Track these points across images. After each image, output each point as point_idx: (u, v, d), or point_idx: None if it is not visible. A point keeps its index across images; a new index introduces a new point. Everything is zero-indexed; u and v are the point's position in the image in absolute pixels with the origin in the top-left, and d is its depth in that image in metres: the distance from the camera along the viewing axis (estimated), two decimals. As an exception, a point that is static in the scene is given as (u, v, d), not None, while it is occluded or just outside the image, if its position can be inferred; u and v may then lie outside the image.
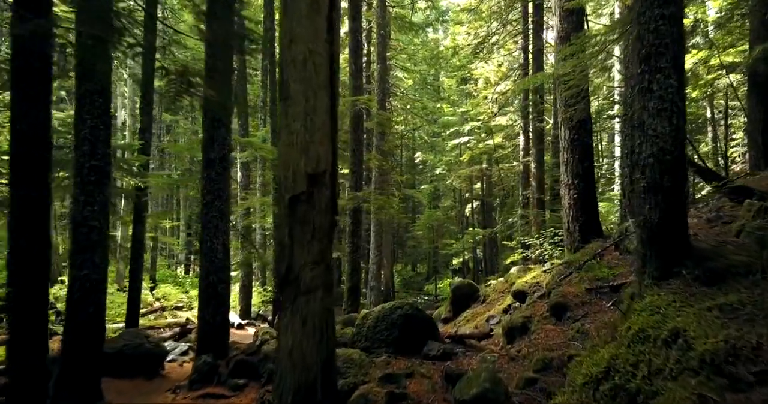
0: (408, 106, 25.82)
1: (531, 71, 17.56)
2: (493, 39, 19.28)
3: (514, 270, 11.74)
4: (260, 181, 17.54)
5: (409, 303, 5.39)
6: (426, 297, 29.34)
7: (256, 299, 18.07)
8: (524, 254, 14.55)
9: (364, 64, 24.56)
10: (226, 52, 6.83)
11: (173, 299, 20.56)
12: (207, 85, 7.17)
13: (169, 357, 10.68)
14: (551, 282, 6.18)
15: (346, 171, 17.00)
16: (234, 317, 16.23)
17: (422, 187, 35.82)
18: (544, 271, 6.85)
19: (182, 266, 32.17)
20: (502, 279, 11.63)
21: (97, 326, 5.59)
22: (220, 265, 6.92)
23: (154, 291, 21.29)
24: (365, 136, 20.71)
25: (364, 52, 23.89)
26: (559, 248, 13.53)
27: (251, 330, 14.29)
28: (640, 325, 2.76)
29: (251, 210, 16.33)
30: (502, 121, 23.15)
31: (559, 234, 13.54)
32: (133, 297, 9.57)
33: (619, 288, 4.71)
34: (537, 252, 13.63)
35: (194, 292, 22.66)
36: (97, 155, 5.45)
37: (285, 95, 3.00)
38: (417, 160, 36.05)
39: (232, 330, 15.70)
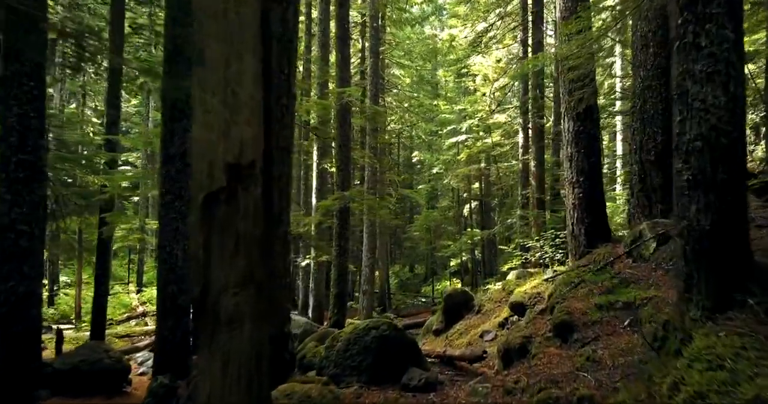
0: (405, 104, 25.06)
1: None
2: (491, 33, 18.53)
3: (512, 275, 11.01)
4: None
5: (387, 322, 4.63)
6: (423, 300, 28.61)
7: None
8: (523, 257, 13.79)
9: (356, 57, 23.81)
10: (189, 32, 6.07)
11: (160, 303, 19.79)
12: (167, 70, 6.39)
13: (140, 370, 9.92)
14: (554, 294, 5.42)
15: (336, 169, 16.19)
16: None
17: (419, 186, 35.08)
18: (546, 280, 6.09)
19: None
20: (499, 285, 10.87)
21: (29, 344, 4.83)
22: (181, 274, 6.16)
23: (138, 295, 20.53)
24: (359, 133, 19.98)
25: (359, 46, 23.17)
26: (560, 251, 12.78)
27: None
28: (697, 386, 1.96)
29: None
30: (500, 118, 22.39)
31: (561, 236, 12.78)
32: (98, 305, 8.80)
33: (636, 305, 3.96)
34: (537, 255, 12.88)
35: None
36: (26, 148, 4.70)
37: (198, 59, 2.22)
38: (415, 160, 35.35)
39: (216, 337, 14.96)
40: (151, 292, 20.93)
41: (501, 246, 26.38)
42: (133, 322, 14.89)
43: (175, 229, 6.12)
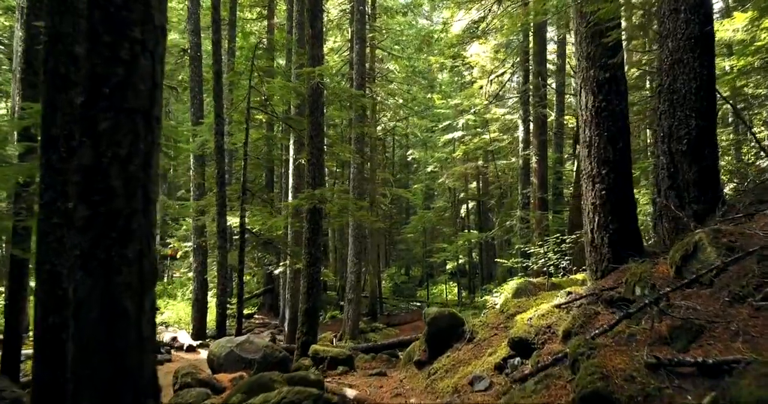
0: (398, 98, 23.49)
1: (532, 52, 15.27)
2: (489, 18, 16.96)
3: (510, 288, 9.47)
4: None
5: (300, 376, 3.04)
6: (418, 304, 27.13)
7: (211, 315, 15.64)
8: (524, 264, 12.25)
9: (345, 47, 22.26)
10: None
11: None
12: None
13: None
14: (572, 331, 3.86)
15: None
16: (185, 337, 13.86)
17: (414, 186, 33.60)
18: (558, 307, 4.52)
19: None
20: (497, 304, 9.31)
21: None
22: (66, 299, 4.56)
23: None
24: (348, 128, 18.42)
25: (348, 36, 21.61)
26: (566, 258, 11.23)
27: (204, 353, 11.93)
28: None
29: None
30: (498, 112, 20.84)
31: (567, 241, 11.24)
32: (10, 338, 7.07)
33: (719, 369, 2.42)
34: (540, 262, 11.34)
35: (166, 301, 20.28)
36: None
37: None
38: (410, 159, 33.92)
39: (181, 354, 13.37)
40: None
41: (500, 246, 24.86)
42: None
43: (58, 240, 4.53)
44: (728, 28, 9.26)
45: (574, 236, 11.40)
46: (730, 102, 9.04)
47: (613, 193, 4.79)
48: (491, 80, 15.39)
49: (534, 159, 14.36)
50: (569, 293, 4.81)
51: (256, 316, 20.01)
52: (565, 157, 18.67)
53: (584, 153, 4.99)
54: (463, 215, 27.40)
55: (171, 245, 21.73)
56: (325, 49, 22.98)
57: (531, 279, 11.19)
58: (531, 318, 4.71)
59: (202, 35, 14.98)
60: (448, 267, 27.90)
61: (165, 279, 27.83)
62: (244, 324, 18.12)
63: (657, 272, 4.04)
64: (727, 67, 9.84)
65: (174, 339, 13.54)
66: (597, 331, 3.26)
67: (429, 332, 6.25)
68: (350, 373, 6.93)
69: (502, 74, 15.25)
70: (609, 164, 4.80)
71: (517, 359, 4.28)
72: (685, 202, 5.86)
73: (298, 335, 8.83)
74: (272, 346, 8.07)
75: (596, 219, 4.82)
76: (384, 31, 20.04)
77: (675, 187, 5.94)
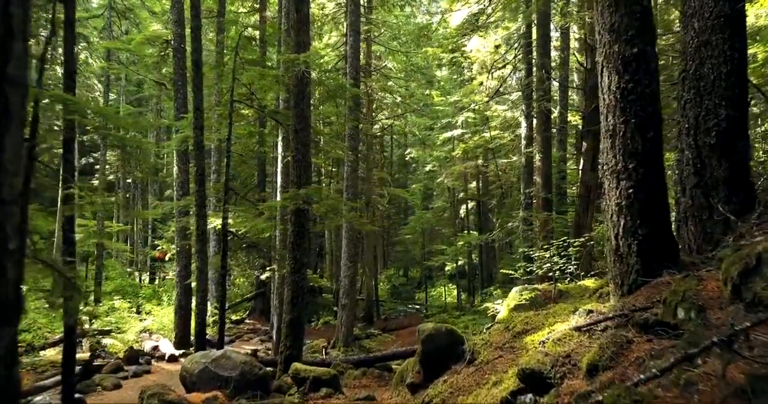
0: (396, 96, 22.66)
1: (535, 43, 14.48)
2: (490, 9, 16.14)
3: (513, 296, 8.65)
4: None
5: None
6: (417, 307, 26.36)
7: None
8: (528, 268, 11.42)
9: (340, 42, 21.46)
10: None
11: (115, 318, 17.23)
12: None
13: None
14: (601, 362, 3.07)
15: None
16: (167, 346, 13.04)
17: (412, 186, 32.81)
18: (578, 329, 3.73)
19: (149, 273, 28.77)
20: (498, 311, 8.50)
21: None
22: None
23: (92, 308, 18.05)
24: (342, 126, 17.63)
25: (343, 30, 20.80)
26: (573, 263, 10.41)
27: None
28: None
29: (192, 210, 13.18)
30: (499, 109, 20.05)
31: (574, 244, 10.43)
32: None
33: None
34: (545, 266, 10.52)
35: (152, 306, 19.48)
36: None
37: None
38: (408, 158, 33.18)
39: (162, 364, 12.56)
40: (105, 306, 18.39)
41: (500, 248, 24.06)
42: (54, 351, 12.43)
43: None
44: (751, 14, 8.49)
45: (582, 239, 10.61)
46: (762, 90, 8.23)
47: (642, 191, 3.99)
48: (492, 71, 14.56)
49: (537, 156, 13.55)
50: (590, 311, 4.01)
51: (247, 321, 19.21)
52: (568, 155, 17.86)
53: (607, 144, 4.19)
54: (462, 215, 26.60)
55: (159, 247, 20.95)
56: (321, 45, 22.19)
57: (536, 286, 10.39)
58: (544, 342, 3.91)
59: (186, 27, 14.16)
60: (447, 268, 27.10)
61: (156, 282, 27.03)
62: (233, 330, 17.33)
63: (705, 290, 3.25)
64: (755, 55, 9.05)
65: (155, 348, 12.75)
66: (639, 375, 2.45)
67: (424, 351, 5.45)
68: (335, 396, 6.14)
69: (505, 66, 14.43)
70: (637, 157, 4.00)
71: (529, 396, 3.48)
72: (714, 202, 5.08)
73: (281, 348, 8.03)
74: (251, 362, 7.27)
75: (621, 223, 4.02)
76: (381, 25, 19.22)
77: (702, 184, 5.16)
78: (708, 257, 4.07)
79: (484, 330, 6.10)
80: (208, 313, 16.13)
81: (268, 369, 7.75)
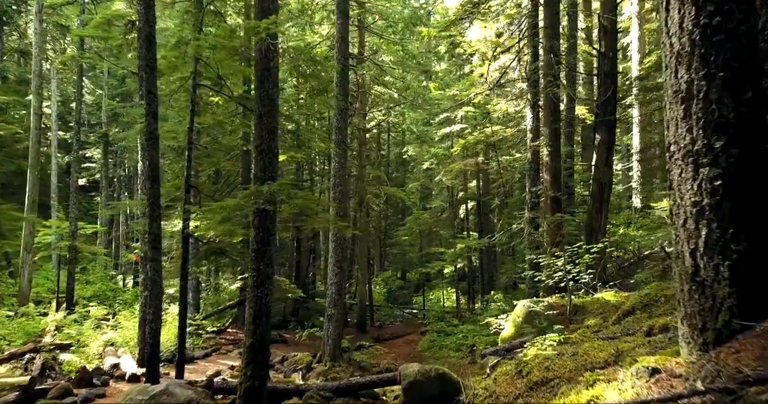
0: (390, 88, 21.22)
1: (542, 24, 13.02)
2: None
3: (519, 312, 7.35)
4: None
5: None
6: (415, 311, 24.98)
7: (169, 333, 13.31)
8: (536, 277, 9.98)
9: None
10: None
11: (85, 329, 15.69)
12: None
13: None
14: None
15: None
16: (129, 364, 11.51)
17: (409, 185, 31.43)
18: (643, 405, 2.27)
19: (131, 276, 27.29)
20: (502, 327, 7.13)
21: None
22: None
23: (59, 317, 16.59)
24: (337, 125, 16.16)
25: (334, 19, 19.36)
26: (588, 272, 8.98)
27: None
28: None
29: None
30: (501, 103, 18.59)
31: (591, 251, 9.00)
32: None
33: None
34: (557, 276, 9.09)
35: (124, 315, 18.00)
36: None
37: None
38: (406, 157, 31.81)
39: (120, 386, 11.05)
40: (78, 313, 16.90)
41: (501, 250, 22.65)
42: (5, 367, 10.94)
43: None
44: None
45: (600, 245, 9.18)
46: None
47: (735, 182, 2.56)
48: (494, 58, 13.11)
49: (545, 151, 12.09)
50: (655, 371, 2.57)
51: (229, 330, 17.72)
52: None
53: (675, 112, 2.76)
54: (462, 216, 25.17)
55: (135, 250, 19.54)
56: (316, 38, 20.76)
57: (545, 300, 8.94)
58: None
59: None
60: (446, 271, 25.69)
61: (139, 286, 25.59)
62: (211, 342, 15.86)
63: None
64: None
65: (115, 366, 11.24)
66: None
67: (408, 403, 4.03)
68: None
69: (508, 50, 12.98)
70: (728, 130, 2.56)
71: None
72: None
73: (241, 379, 6.58)
74: (199, 400, 5.85)
75: (703, 233, 2.59)
76: (373, 9, 17.78)
77: None
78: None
79: (488, 369, 4.65)
80: (188, 322, 14.69)
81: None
